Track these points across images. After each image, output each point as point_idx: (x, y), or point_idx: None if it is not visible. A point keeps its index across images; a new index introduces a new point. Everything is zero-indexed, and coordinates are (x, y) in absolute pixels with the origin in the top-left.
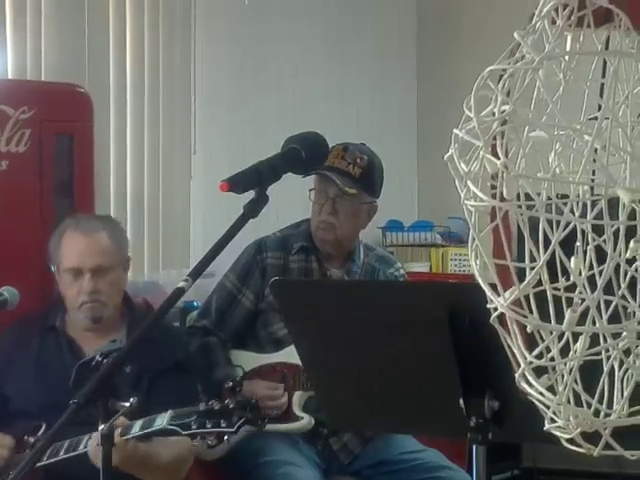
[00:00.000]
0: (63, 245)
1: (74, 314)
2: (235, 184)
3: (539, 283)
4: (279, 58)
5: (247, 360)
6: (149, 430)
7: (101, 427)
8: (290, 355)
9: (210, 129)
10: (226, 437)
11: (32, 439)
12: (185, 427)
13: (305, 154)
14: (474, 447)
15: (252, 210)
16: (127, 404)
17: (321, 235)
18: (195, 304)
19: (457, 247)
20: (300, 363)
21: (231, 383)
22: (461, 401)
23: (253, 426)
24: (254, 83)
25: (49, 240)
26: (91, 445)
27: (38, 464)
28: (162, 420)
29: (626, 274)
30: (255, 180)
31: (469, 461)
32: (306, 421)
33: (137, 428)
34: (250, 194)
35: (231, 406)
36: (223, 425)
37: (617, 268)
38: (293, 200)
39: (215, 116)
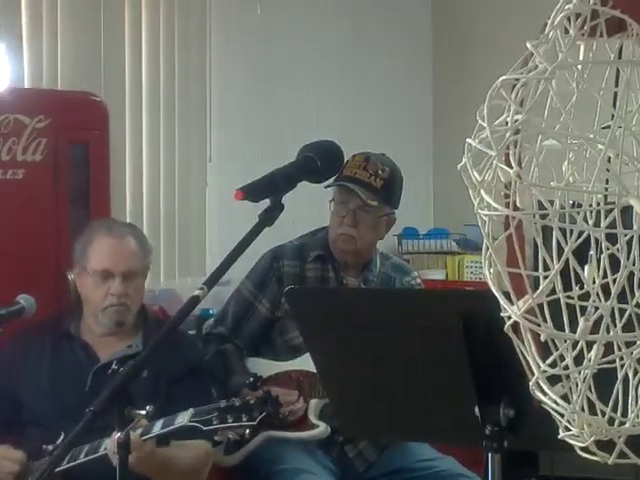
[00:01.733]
0: (93, 247)
1: (96, 317)
2: (249, 193)
3: (553, 292)
4: (293, 67)
5: (263, 367)
6: (171, 428)
7: (117, 435)
8: (306, 363)
9: (225, 137)
10: (247, 431)
11: (50, 447)
12: (206, 423)
13: (320, 162)
14: (489, 455)
15: (267, 218)
16: (143, 412)
17: (341, 246)
18: (211, 312)
19: (473, 254)
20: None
21: (252, 379)
22: (476, 409)
23: (274, 420)
24: (269, 92)
25: (75, 242)
26: (109, 449)
27: (59, 468)
28: (183, 417)
29: None
30: (270, 188)
31: (485, 469)
32: (322, 429)
33: (158, 427)
34: (263, 203)
35: (252, 402)
36: (244, 419)
37: (630, 276)
38: (309, 208)
39: (230, 124)
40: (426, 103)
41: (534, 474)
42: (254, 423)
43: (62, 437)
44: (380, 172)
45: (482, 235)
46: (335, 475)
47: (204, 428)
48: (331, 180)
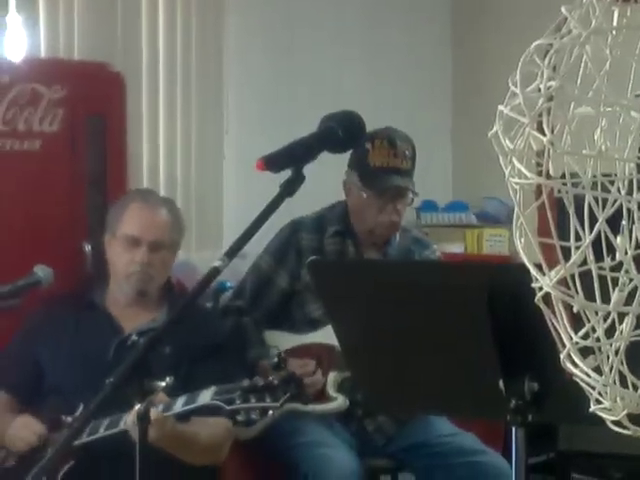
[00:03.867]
0: (126, 213)
1: (119, 284)
2: (271, 163)
3: (584, 262)
4: (311, 36)
5: (282, 340)
6: (193, 406)
7: (137, 407)
8: (325, 336)
9: (242, 109)
10: (271, 412)
11: (69, 418)
12: (229, 402)
13: (342, 133)
14: (513, 429)
15: (289, 189)
16: (163, 383)
17: (383, 232)
18: (228, 284)
19: (492, 228)
20: (335, 344)
21: (276, 359)
22: (500, 382)
23: (297, 402)
24: (286, 62)
25: (110, 208)
26: (129, 421)
27: (79, 442)
28: (206, 395)
29: None
30: (291, 159)
31: (504, 445)
32: (340, 402)
33: (180, 404)
34: (280, 175)
35: (275, 382)
36: (268, 400)
37: None
38: (326, 180)
39: (247, 96)
40: (445, 75)
41: (553, 449)
42: (277, 404)
43: (81, 408)
44: (407, 152)
45: (501, 208)
46: (354, 449)
47: (227, 407)
48: (348, 151)
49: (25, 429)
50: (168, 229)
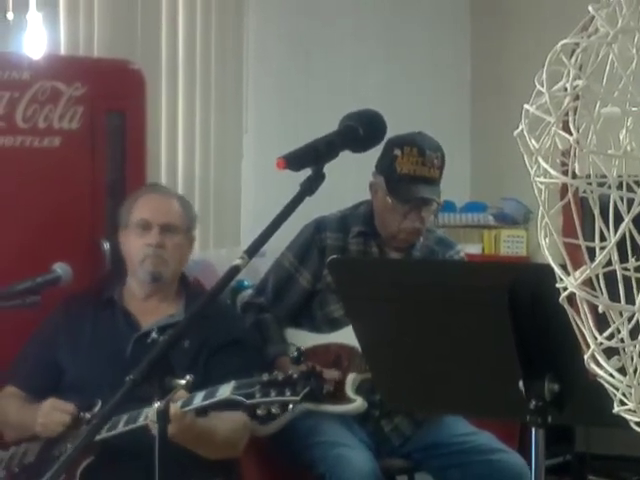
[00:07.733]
0: (137, 202)
1: (135, 273)
2: (292, 161)
3: (608, 263)
4: (331, 36)
5: (302, 339)
6: (212, 400)
7: (157, 404)
8: (345, 336)
9: (262, 108)
10: (291, 406)
11: (88, 415)
12: (249, 397)
13: (362, 131)
14: (533, 430)
15: (309, 188)
16: (183, 381)
17: (406, 238)
18: (246, 283)
19: (510, 228)
20: (355, 345)
21: (296, 353)
22: (520, 383)
23: (316, 398)
24: (306, 62)
25: (121, 207)
26: (150, 414)
27: (98, 437)
28: (225, 390)
29: None
30: (312, 157)
31: (520, 444)
32: (359, 403)
33: (199, 399)
34: (296, 175)
35: (295, 376)
36: (288, 394)
37: None
38: (345, 179)
39: (267, 95)
40: (464, 73)
41: (569, 451)
42: (297, 398)
43: (100, 405)
44: (435, 161)
45: (519, 209)
46: (371, 449)
47: (247, 402)
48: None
49: (55, 411)
50: (179, 215)
